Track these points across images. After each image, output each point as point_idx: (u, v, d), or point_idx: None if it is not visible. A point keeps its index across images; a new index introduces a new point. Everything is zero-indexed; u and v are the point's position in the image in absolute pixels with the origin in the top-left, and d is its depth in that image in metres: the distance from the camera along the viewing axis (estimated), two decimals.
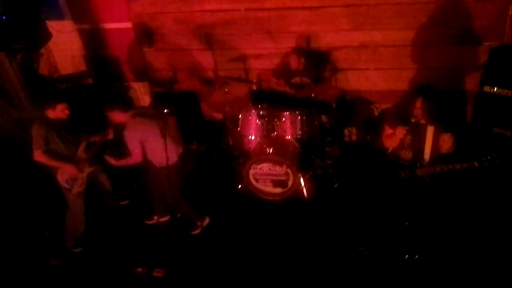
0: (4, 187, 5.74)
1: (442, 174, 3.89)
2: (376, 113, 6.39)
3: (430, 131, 3.96)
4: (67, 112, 4.44)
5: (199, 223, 4.99)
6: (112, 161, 4.56)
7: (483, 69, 5.53)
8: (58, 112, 4.39)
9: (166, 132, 4.31)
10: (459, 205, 4.67)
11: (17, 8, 5.56)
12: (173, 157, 4.54)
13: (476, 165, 3.66)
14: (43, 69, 6.99)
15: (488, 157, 3.61)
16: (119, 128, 4.53)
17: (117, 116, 4.46)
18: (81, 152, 4.59)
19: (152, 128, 4.36)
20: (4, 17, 5.47)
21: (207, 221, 5.06)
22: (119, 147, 4.60)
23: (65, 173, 4.52)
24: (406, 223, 4.21)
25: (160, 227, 5.15)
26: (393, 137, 4.11)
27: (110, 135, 4.65)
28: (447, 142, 3.85)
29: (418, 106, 3.87)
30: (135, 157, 4.44)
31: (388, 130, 4.24)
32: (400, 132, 4.01)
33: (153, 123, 4.41)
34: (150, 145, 4.42)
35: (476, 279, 4.00)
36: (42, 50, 6.77)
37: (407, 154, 4.13)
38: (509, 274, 3.99)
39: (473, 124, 5.67)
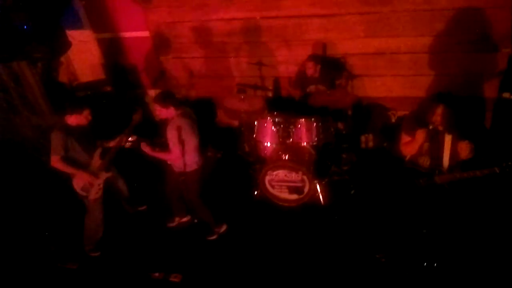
0: (23, 193, 5.84)
1: (462, 181, 3.84)
2: (393, 120, 6.36)
3: (448, 138, 3.92)
4: (89, 118, 4.50)
5: (216, 230, 5.01)
6: (147, 149, 4.52)
7: (501, 75, 5.47)
8: (83, 117, 4.45)
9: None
10: (478, 213, 4.60)
11: (38, 17, 5.68)
12: (193, 165, 4.58)
13: (497, 171, 3.60)
14: (63, 77, 7.12)
15: (510, 163, 3.55)
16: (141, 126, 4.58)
17: (169, 112, 4.41)
18: (96, 158, 4.63)
19: (190, 130, 4.40)
20: (25, 27, 5.59)
21: (224, 228, 5.07)
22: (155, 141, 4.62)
23: (80, 180, 4.56)
24: (424, 231, 4.16)
25: (181, 228, 5.18)
26: (412, 143, 4.06)
27: (125, 139, 4.65)
28: (464, 150, 3.81)
29: (439, 113, 3.82)
30: (174, 155, 4.42)
31: (405, 138, 4.19)
32: (420, 135, 3.95)
33: (193, 125, 4.46)
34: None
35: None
36: (62, 59, 6.90)
37: (425, 161, 4.09)
38: None
39: (492, 130, 5.60)
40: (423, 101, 4.13)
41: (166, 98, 4.42)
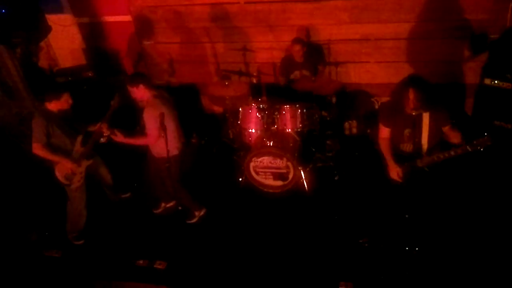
0: (4, 180, 5.75)
1: (442, 163, 3.90)
2: (376, 106, 6.40)
3: (426, 118, 3.95)
4: (70, 101, 4.43)
5: (196, 213, 5.03)
6: (119, 138, 4.49)
7: (483, 62, 5.53)
8: (63, 102, 4.37)
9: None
10: (459, 196, 4.69)
11: (17, 1, 5.54)
12: (173, 151, 4.54)
13: (469, 149, 3.66)
14: (43, 63, 6.98)
15: (480, 139, 3.60)
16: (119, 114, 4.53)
17: (141, 92, 4.35)
18: (78, 145, 4.56)
19: (168, 113, 4.33)
20: (3, 11, 5.45)
21: (203, 211, 5.09)
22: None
23: (62, 168, 4.50)
24: (406, 216, 4.22)
25: (166, 214, 5.19)
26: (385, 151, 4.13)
27: (105, 129, 4.56)
28: (455, 137, 3.88)
29: (412, 97, 3.83)
30: (151, 138, 4.36)
31: (383, 129, 4.18)
32: (395, 173, 4.05)
33: (170, 108, 4.41)
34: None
35: (478, 272, 4.01)
36: (42, 44, 6.76)
37: (407, 147, 4.12)
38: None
39: (473, 117, 5.68)
40: (395, 89, 4.14)
41: (135, 77, 4.41)
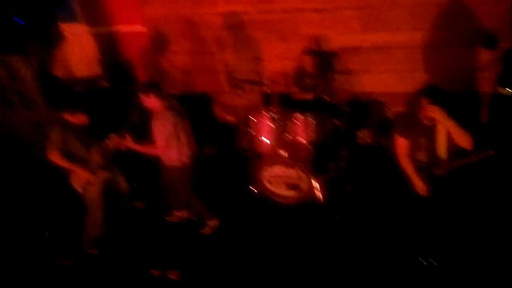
0: (21, 189, 5.82)
1: (461, 171, 3.86)
2: (389, 115, 6.37)
3: (442, 129, 3.92)
4: (85, 120, 4.46)
5: (209, 223, 5.03)
6: (129, 142, 4.49)
7: (498, 71, 5.48)
8: (76, 119, 4.42)
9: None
10: (476, 205, 4.64)
11: (32, 11, 5.62)
12: (184, 160, 4.56)
13: (492, 153, 3.63)
14: (58, 72, 7.06)
15: (502, 143, 3.57)
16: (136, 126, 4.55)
17: (151, 101, 4.35)
18: (94, 155, 4.60)
19: (179, 123, 4.36)
20: (19, 20, 5.53)
21: (216, 221, 5.07)
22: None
23: (79, 178, 4.54)
24: (422, 227, 4.18)
25: (179, 223, 5.20)
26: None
27: (115, 140, 4.57)
28: (463, 141, 3.78)
29: (427, 107, 3.83)
30: (159, 149, 4.38)
31: (400, 139, 4.11)
32: (424, 190, 4.03)
33: (181, 118, 4.43)
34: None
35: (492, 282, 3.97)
36: (57, 53, 6.83)
37: (423, 156, 4.10)
38: None
39: (489, 126, 5.62)
40: (411, 99, 4.12)
41: (147, 86, 4.41)
